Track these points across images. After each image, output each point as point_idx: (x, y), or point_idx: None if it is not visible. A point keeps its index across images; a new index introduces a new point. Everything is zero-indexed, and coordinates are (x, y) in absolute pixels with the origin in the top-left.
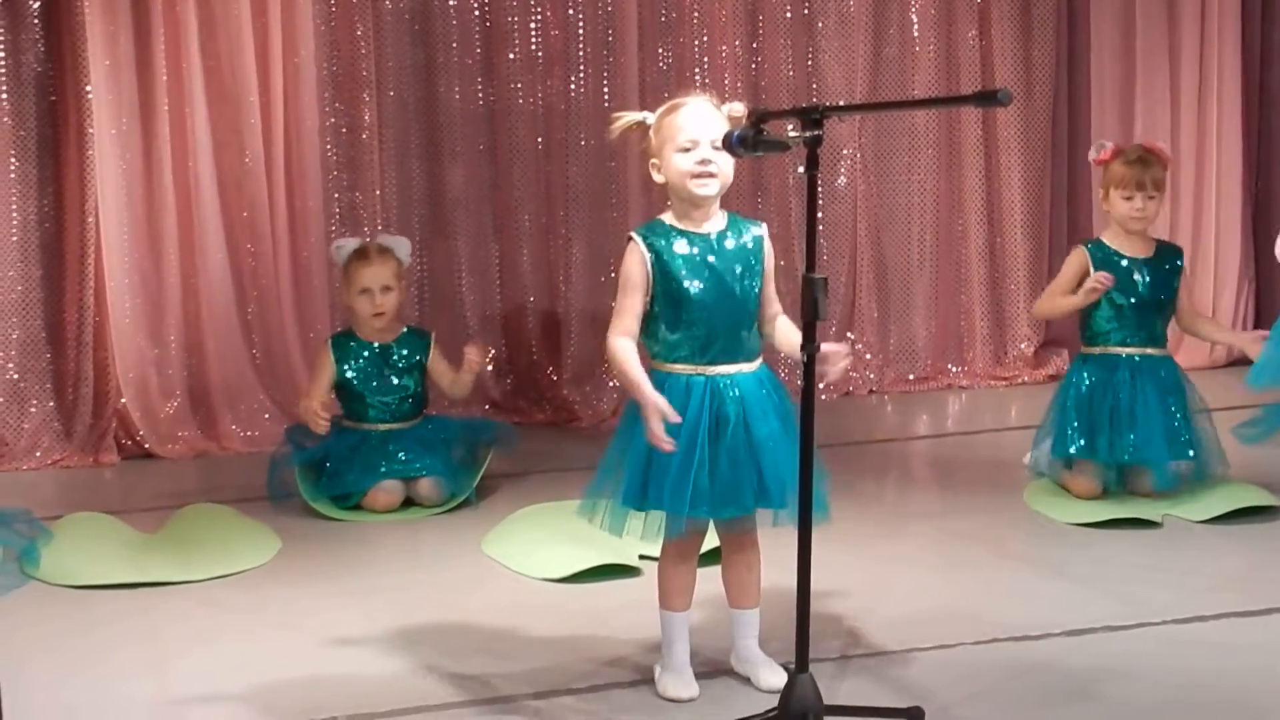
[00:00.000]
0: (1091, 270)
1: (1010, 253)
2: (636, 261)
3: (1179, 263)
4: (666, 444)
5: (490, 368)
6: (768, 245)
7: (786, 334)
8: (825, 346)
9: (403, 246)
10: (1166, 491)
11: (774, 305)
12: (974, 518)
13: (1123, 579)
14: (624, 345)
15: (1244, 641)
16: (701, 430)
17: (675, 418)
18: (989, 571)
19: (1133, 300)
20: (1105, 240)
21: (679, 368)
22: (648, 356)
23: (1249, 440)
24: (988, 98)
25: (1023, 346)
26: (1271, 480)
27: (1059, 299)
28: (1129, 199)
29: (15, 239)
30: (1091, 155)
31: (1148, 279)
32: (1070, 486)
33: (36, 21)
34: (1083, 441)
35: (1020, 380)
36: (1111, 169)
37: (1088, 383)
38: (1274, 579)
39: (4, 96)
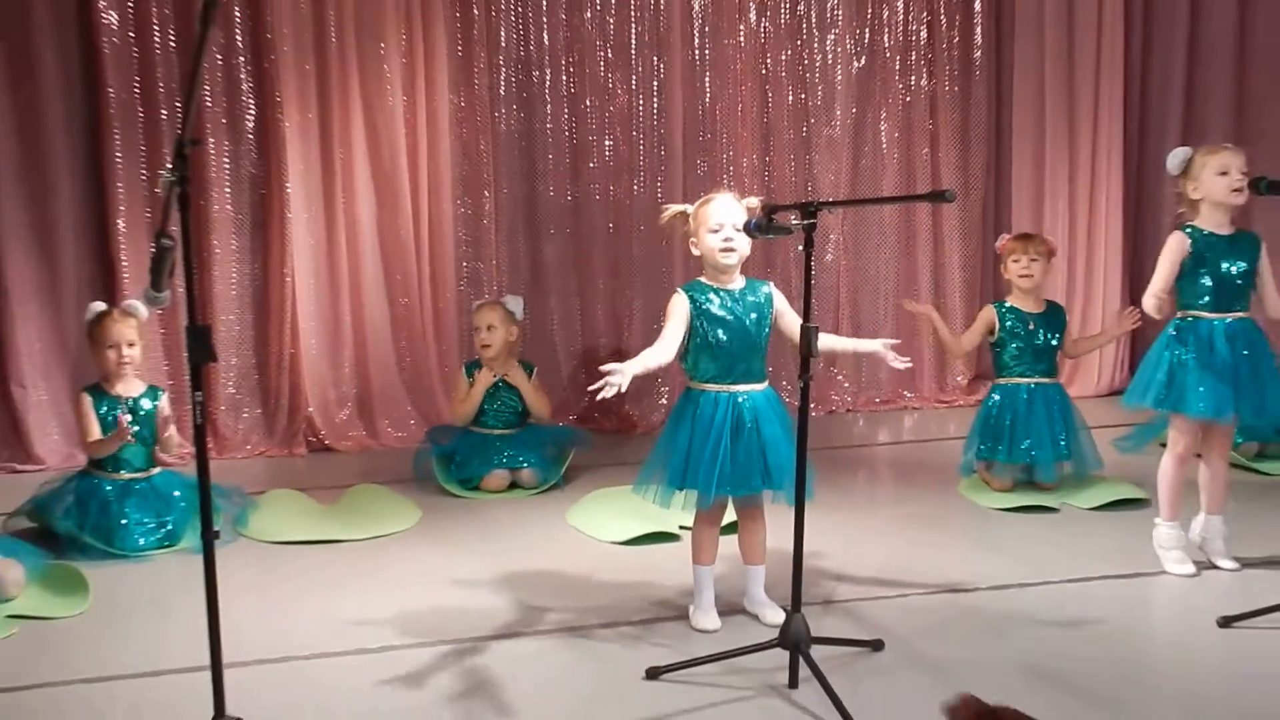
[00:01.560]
0: (997, 323)
1: (951, 309)
2: (681, 305)
3: (1063, 315)
4: (611, 382)
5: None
6: (777, 294)
7: (827, 341)
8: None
9: (517, 303)
10: (1053, 484)
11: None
12: (922, 503)
13: (1030, 549)
14: (651, 350)
15: (1119, 596)
16: (725, 431)
17: (619, 382)
18: (933, 542)
19: (1031, 343)
20: (1009, 301)
21: (710, 386)
22: (688, 378)
23: (1125, 450)
24: (937, 196)
25: (959, 379)
26: (1141, 478)
27: (968, 335)
28: (1017, 261)
29: (234, 293)
30: (996, 244)
31: (1040, 328)
32: (990, 482)
33: (250, 138)
34: (992, 447)
35: (957, 404)
36: (1007, 248)
37: (997, 404)
38: (1141, 551)
39: (228, 191)
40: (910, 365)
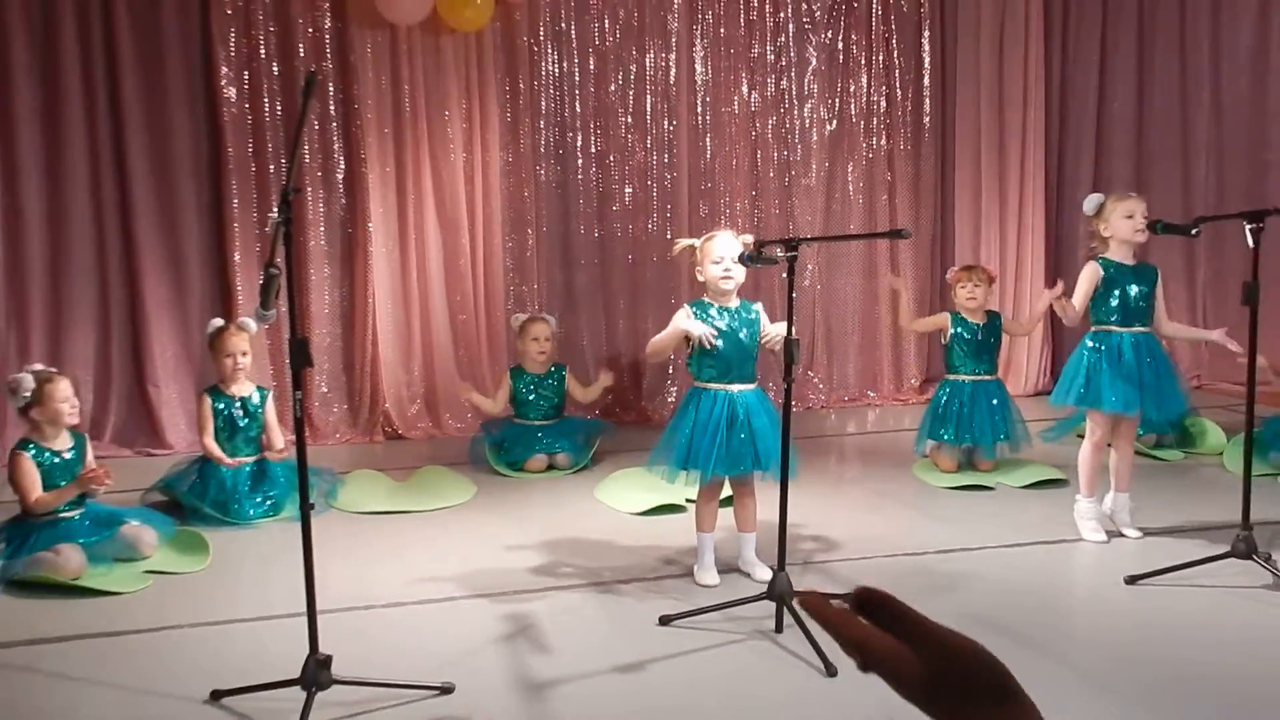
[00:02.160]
0: (949, 328)
1: (904, 329)
2: (686, 315)
3: (999, 321)
4: (711, 332)
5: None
6: (763, 314)
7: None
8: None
9: (552, 320)
10: (991, 466)
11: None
12: (883, 482)
13: (972, 520)
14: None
15: (1044, 559)
16: (722, 422)
17: (708, 330)
18: (891, 514)
19: (974, 344)
20: (959, 313)
21: (710, 385)
22: (693, 378)
23: (1048, 439)
24: (895, 234)
25: (913, 381)
26: (1061, 462)
27: (920, 320)
28: (964, 288)
29: (327, 311)
30: (947, 276)
31: (981, 334)
32: (938, 463)
33: (340, 187)
34: (941, 431)
35: (912, 401)
36: (955, 277)
37: (945, 395)
38: (1063, 522)
39: (322, 230)
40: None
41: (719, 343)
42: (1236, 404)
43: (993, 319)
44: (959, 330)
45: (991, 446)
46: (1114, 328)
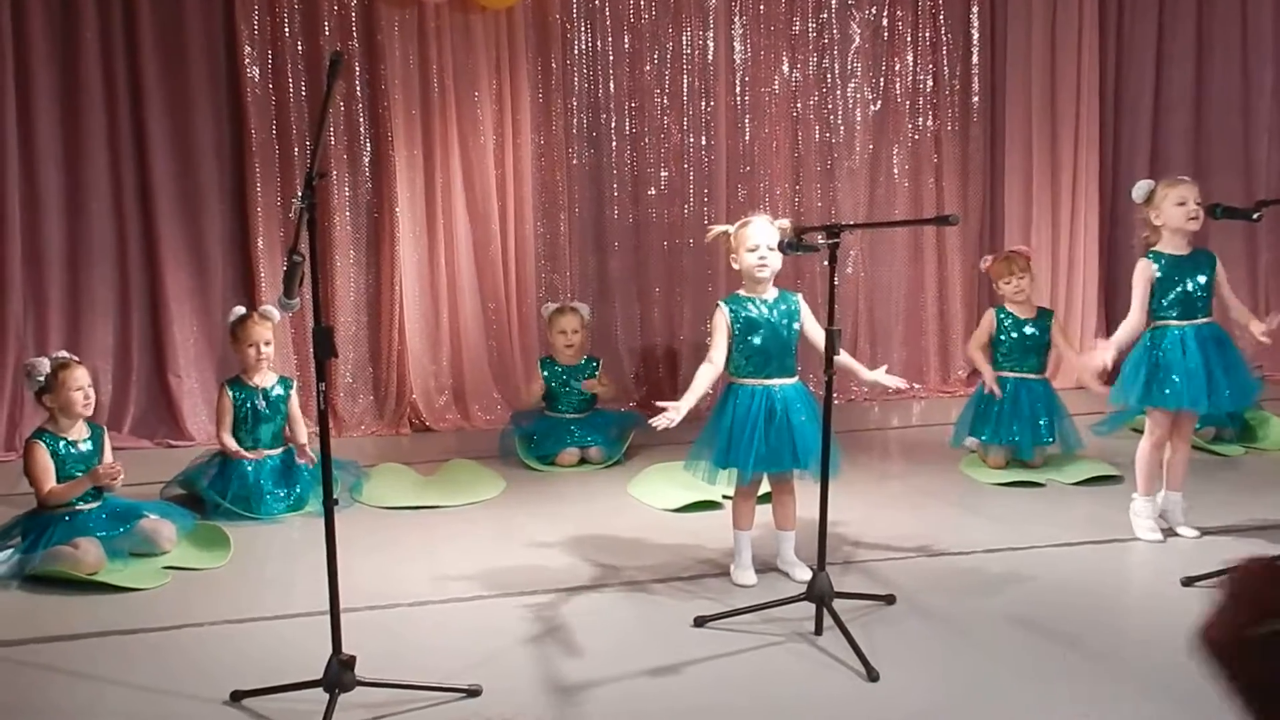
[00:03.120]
0: (995, 325)
1: (952, 314)
2: (722, 320)
3: (1050, 320)
4: (666, 418)
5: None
6: (803, 305)
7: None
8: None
9: (585, 309)
10: (1039, 462)
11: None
12: (928, 479)
13: (1020, 519)
14: (703, 369)
15: (1096, 558)
16: (760, 419)
17: (673, 417)
18: (937, 512)
19: (1023, 343)
20: (1006, 307)
21: (748, 381)
22: (729, 374)
23: (1101, 434)
24: (943, 220)
25: (960, 373)
26: (1114, 458)
27: (977, 353)
28: (1008, 283)
29: (352, 299)
30: (982, 265)
31: (1031, 331)
32: (986, 460)
33: (367, 170)
34: (982, 430)
35: (959, 394)
36: (994, 270)
37: (983, 392)
38: (1115, 520)
39: (348, 215)
40: (903, 387)
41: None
42: None
43: (1044, 316)
44: (1005, 325)
45: (1030, 448)
46: (1174, 322)
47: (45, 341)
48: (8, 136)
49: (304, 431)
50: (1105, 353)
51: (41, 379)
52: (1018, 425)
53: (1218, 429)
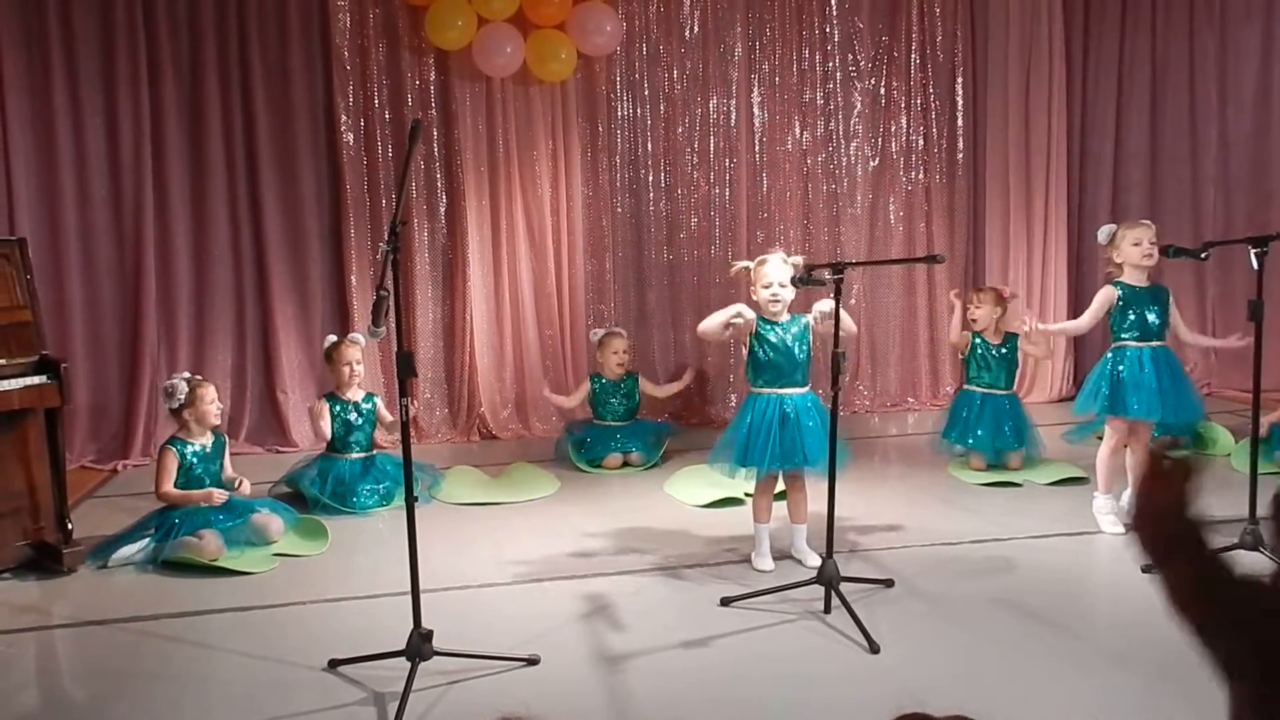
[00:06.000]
0: (968, 344)
1: (940, 339)
2: (746, 326)
3: (1015, 341)
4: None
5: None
6: (813, 323)
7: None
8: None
9: (625, 333)
10: (1018, 465)
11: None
12: (922, 479)
13: (1002, 514)
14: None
15: (1067, 549)
16: (775, 423)
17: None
18: (930, 507)
19: (987, 359)
20: (979, 333)
21: (765, 390)
22: (749, 384)
23: (1071, 441)
24: (931, 259)
25: (948, 388)
26: (1080, 461)
27: (956, 338)
28: (969, 308)
29: (430, 327)
30: (952, 295)
31: (999, 352)
32: (969, 463)
33: (441, 218)
34: (952, 435)
35: (947, 407)
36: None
37: (957, 402)
38: (1083, 515)
39: (426, 256)
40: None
41: (751, 315)
42: (1243, 409)
43: (1010, 339)
44: (976, 346)
45: (992, 452)
46: (1132, 343)
47: (175, 365)
48: (144, 193)
49: (388, 417)
50: (1041, 323)
51: (181, 397)
52: (983, 431)
53: (1174, 438)
